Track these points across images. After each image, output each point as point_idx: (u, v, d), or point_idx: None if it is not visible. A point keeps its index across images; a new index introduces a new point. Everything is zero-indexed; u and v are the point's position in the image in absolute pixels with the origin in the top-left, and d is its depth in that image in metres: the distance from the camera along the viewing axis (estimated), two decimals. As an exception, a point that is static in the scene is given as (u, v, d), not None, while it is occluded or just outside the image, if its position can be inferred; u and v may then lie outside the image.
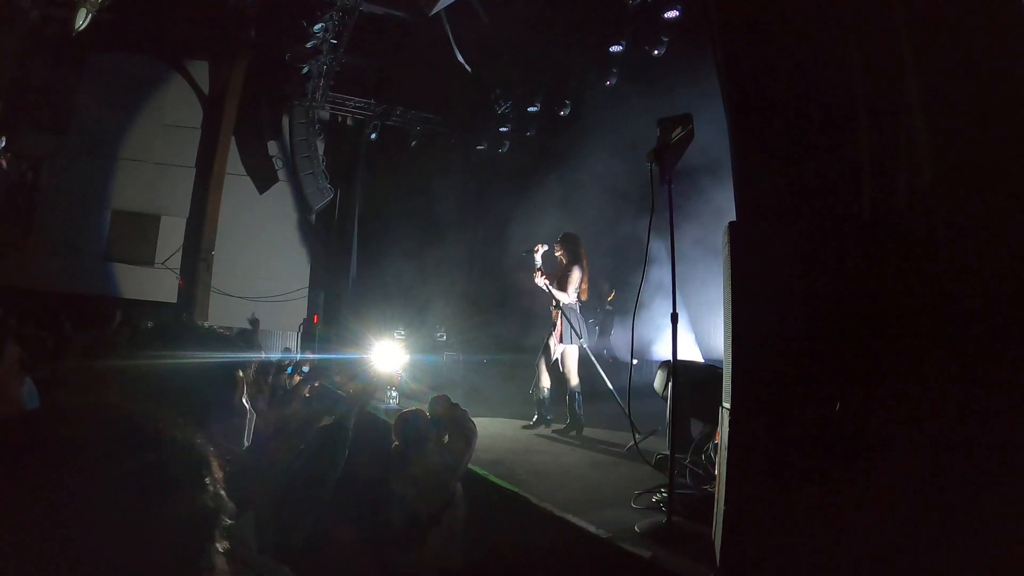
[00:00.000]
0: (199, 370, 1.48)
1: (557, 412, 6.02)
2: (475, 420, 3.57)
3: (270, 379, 5.67)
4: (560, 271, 5.92)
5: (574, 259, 5.86)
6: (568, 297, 5.79)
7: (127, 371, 1.52)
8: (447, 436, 3.30)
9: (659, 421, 4.34)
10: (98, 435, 0.79)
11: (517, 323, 8.87)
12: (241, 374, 1.60)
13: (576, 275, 5.79)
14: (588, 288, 6.09)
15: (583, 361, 5.89)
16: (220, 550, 0.84)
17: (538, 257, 5.97)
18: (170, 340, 1.53)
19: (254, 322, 11.74)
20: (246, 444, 1.68)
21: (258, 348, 6.68)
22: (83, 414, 0.83)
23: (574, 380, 5.80)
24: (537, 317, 7.11)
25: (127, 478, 0.75)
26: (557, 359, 5.88)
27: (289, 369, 6.53)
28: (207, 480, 0.84)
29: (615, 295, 10.00)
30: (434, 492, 3.12)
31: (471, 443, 3.30)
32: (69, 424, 0.80)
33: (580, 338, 5.78)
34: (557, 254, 5.98)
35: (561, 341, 5.82)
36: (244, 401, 1.61)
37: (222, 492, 0.86)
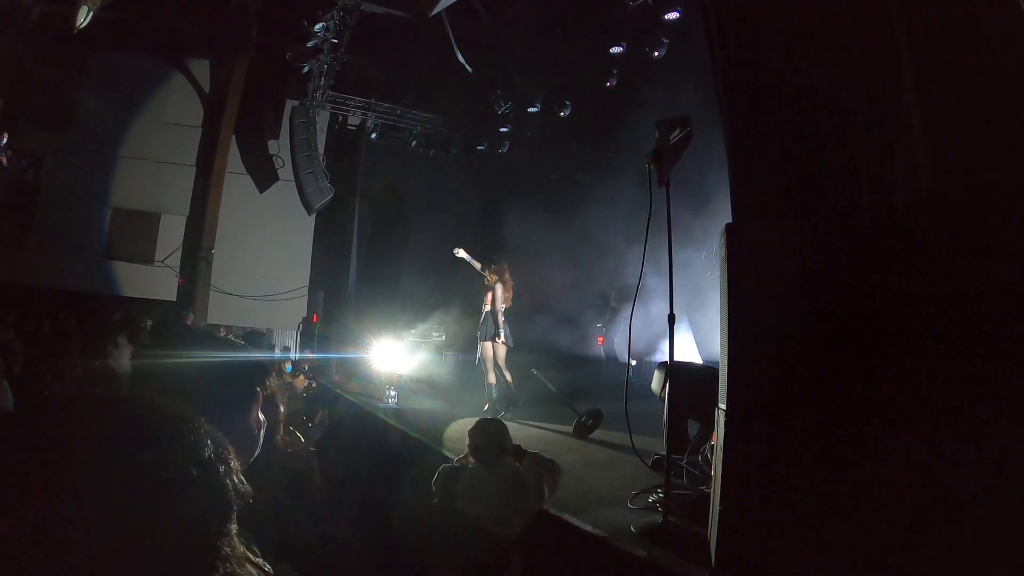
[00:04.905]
0: (218, 381, 1.45)
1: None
2: (473, 420, 3.59)
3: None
4: (489, 287, 7.55)
5: (498, 278, 7.49)
6: (491, 306, 7.41)
7: (143, 369, 1.50)
8: (526, 463, 3.37)
9: (656, 422, 4.35)
10: (101, 430, 0.76)
11: (516, 324, 8.86)
12: (259, 389, 1.56)
13: (499, 291, 7.45)
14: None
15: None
16: (229, 549, 0.81)
17: (464, 254, 7.73)
18: (189, 346, 1.50)
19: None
20: (256, 454, 1.65)
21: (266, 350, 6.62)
22: (86, 408, 0.81)
23: (490, 373, 7.36)
24: (532, 316, 7.32)
25: (131, 475, 0.73)
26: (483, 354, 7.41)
27: (289, 368, 6.52)
28: (222, 470, 0.81)
29: (613, 293, 10.17)
30: (513, 519, 3.12)
31: (557, 485, 3.40)
32: (71, 419, 0.78)
33: (500, 337, 7.29)
34: (487, 275, 7.56)
35: (482, 339, 7.44)
36: (260, 415, 1.59)
37: (240, 480, 0.83)
